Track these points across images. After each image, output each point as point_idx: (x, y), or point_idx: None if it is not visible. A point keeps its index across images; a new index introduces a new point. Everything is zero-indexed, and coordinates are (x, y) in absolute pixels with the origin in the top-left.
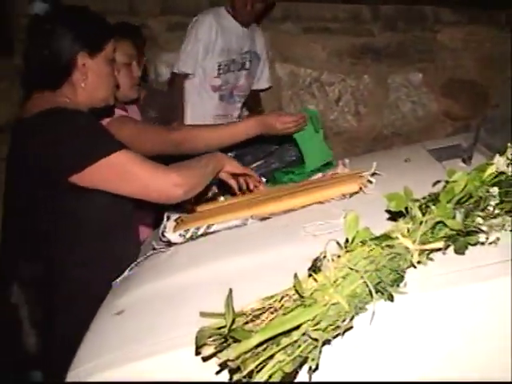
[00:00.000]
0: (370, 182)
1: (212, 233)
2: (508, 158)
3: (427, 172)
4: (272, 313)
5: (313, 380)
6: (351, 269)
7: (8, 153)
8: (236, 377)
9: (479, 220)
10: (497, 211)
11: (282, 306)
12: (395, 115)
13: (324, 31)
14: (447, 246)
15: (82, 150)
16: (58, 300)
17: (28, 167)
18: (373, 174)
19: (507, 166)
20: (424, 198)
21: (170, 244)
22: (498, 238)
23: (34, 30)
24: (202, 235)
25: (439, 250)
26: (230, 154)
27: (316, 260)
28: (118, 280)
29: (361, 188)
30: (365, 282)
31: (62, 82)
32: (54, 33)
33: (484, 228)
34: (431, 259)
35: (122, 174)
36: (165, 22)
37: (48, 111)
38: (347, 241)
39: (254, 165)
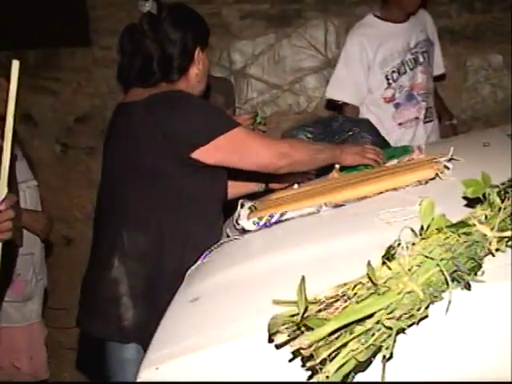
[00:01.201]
0: (447, 167)
1: (285, 220)
2: None
3: (507, 157)
4: (345, 301)
5: (387, 369)
6: (426, 257)
7: (110, 133)
8: (309, 364)
9: None
10: None
11: (356, 293)
12: (474, 99)
13: None
14: None
15: (206, 126)
16: (163, 275)
17: (147, 141)
18: (450, 160)
19: None
20: (503, 184)
21: (244, 231)
22: None
23: (152, 29)
24: (275, 222)
25: None
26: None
27: (390, 248)
28: (193, 267)
29: (437, 174)
30: (440, 270)
31: (181, 75)
32: (175, 32)
33: None
34: (511, 247)
35: (242, 147)
36: (238, 9)
37: (166, 92)
38: (422, 228)
39: None
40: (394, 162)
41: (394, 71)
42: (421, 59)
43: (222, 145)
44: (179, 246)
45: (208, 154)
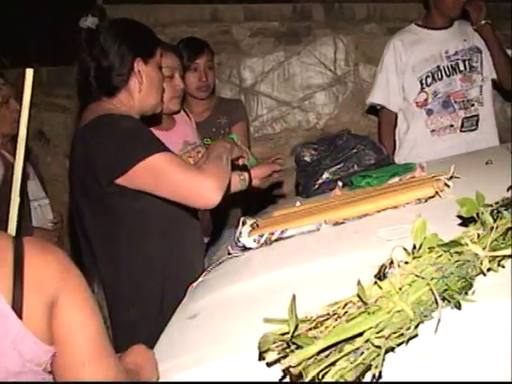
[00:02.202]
0: (448, 185)
1: (286, 238)
2: None
3: (509, 175)
4: (336, 319)
5: None
6: (417, 276)
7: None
8: (298, 383)
9: None
10: None
11: (346, 312)
12: None
13: None
14: None
15: (122, 154)
16: (118, 300)
17: (81, 173)
18: (450, 178)
19: None
20: (497, 203)
21: (245, 249)
22: None
23: (89, 43)
24: (276, 240)
25: (511, 256)
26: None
27: (382, 267)
28: (194, 284)
29: (437, 192)
30: (431, 289)
31: (120, 88)
32: (110, 44)
33: None
34: (503, 266)
35: (159, 177)
36: (247, 28)
37: (98, 117)
38: (415, 247)
39: (333, 168)
40: (396, 179)
41: (428, 76)
42: (461, 67)
43: (139, 173)
44: (138, 270)
45: (129, 180)
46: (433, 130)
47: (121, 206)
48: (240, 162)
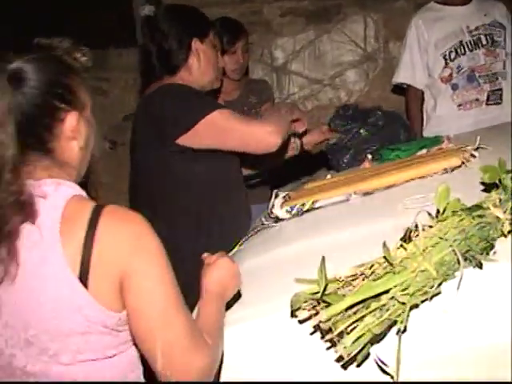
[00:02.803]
0: (474, 156)
1: (317, 208)
2: None
3: None
4: (363, 279)
5: (402, 342)
6: (441, 238)
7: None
8: (327, 337)
9: None
10: None
11: (373, 272)
12: None
13: None
14: None
15: (184, 113)
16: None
17: (145, 135)
18: (477, 149)
19: None
20: None
21: (277, 220)
22: None
23: (149, 29)
24: (307, 211)
25: None
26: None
27: (408, 230)
28: (231, 253)
29: (463, 162)
30: (453, 250)
31: (180, 67)
32: (169, 27)
33: None
34: None
35: (223, 129)
36: (278, 7)
37: (160, 87)
38: (438, 212)
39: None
40: (424, 151)
41: (451, 51)
42: (483, 41)
43: (203, 128)
44: (190, 233)
45: (191, 139)
46: (459, 105)
47: (180, 166)
48: (297, 125)
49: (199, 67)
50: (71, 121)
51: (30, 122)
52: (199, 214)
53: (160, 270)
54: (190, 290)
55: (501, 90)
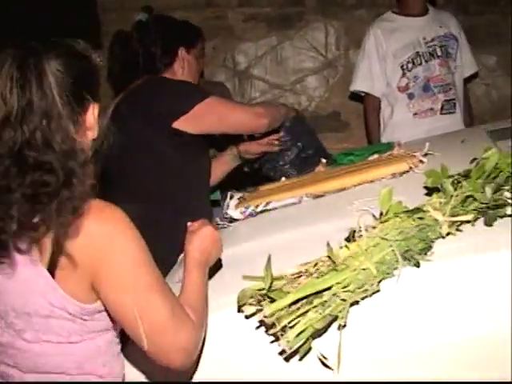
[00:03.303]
0: (422, 161)
1: (270, 210)
2: None
3: (480, 152)
4: (307, 277)
5: (343, 338)
6: (382, 238)
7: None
8: (271, 332)
9: (507, 194)
10: None
11: (317, 270)
12: (470, 98)
13: None
14: (476, 219)
15: (183, 97)
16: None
17: (132, 122)
18: (425, 155)
19: None
20: (458, 174)
21: (232, 220)
22: None
23: (140, 33)
24: (260, 212)
25: (468, 222)
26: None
27: (351, 231)
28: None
29: (411, 167)
30: (393, 250)
31: (164, 70)
32: (159, 33)
33: (511, 201)
34: (460, 231)
35: (219, 111)
36: (241, 13)
37: (149, 79)
38: (381, 214)
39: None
40: (376, 156)
41: (408, 62)
42: (438, 52)
43: (200, 112)
44: (171, 218)
45: (189, 122)
46: (415, 113)
47: (170, 152)
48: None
49: (182, 74)
50: (91, 111)
51: (72, 110)
52: (180, 200)
53: (131, 258)
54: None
55: (454, 99)
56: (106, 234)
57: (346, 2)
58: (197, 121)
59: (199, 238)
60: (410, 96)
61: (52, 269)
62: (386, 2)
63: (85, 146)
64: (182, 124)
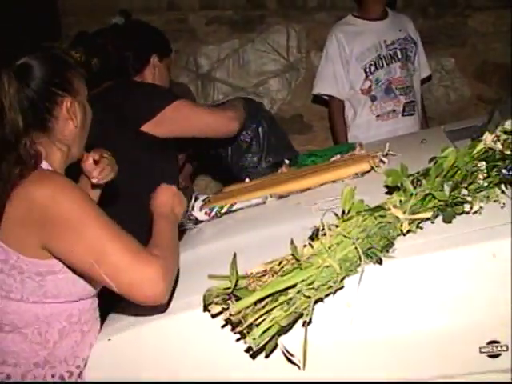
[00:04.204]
0: (383, 161)
1: (235, 211)
2: (496, 136)
3: (438, 152)
4: (272, 275)
5: (308, 334)
6: (345, 236)
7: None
8: (237, 330)
9: (465, 192)
10: (485, 184)
11: (282, 268)
12: (428, 100)
13: None
14: (436, 216)
15: (150, 99)
16: None
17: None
18: (386, 155)
19: (495, 143)
20: (418, 173)
21: (196, 222)
22: (481, 207)
23: (114, 36)
24: (225, 213)
25: (428, 219)
26: None
27: (315, 229)
28: None
29: (372, 167)
30: (356, 247)
31: (135, 74)
32: (133, 38)
33: (469, 199)
34: (421, 228)
35: (188, 115)
36: (203, 16)
37: (119, 82)
38: (344, 212)
39: None
40: (338, 157)
41: (371, 64)
42: (399, 55)
43: (168, 116)
44: (137, 217)
45: (157, 125)
46: (378, 116)
47: (137, 154)
48: None
49: (152, 80)
50: (67, 104)
51: (34, 106)
52: (147, 200)
53: (74, 213)
54: None
55: (414, 101)
56: (45, 196)
57: (307, 5)
58: (165, 124)
59: (161, 193)
60: (373, 98)
61: None
62: (346, 5)
63: (66, 132)
64: (150, 127)
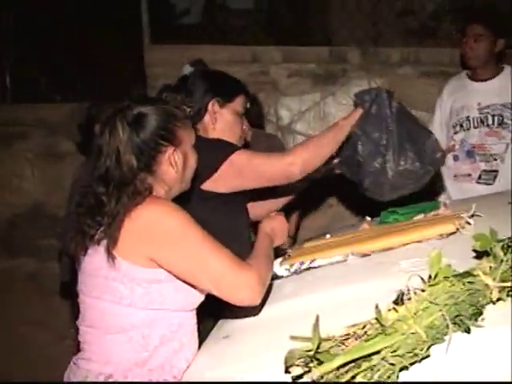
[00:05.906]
0: (469, 223)
1: (315, 267)
2: None
3: None
4: (356, 339)
5: None
6: (431, 302)
7: None
8: None
9: None
10: None
11: (365, 333)
12: None
13: (441, 74)
14: None
15: (206, 159)
16: None
17: None
18: (472, 216)
19: None
20: (509, 238)
21: (276, 277)
22: None
23: (181, 88)
24: (305, 269)
25: None
26: None
27: (400, 293)
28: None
29: (458, 229)
30: (443, 314)
31: (197, 121)
32: (193, 85)
33: None
34: (511, 296)
35: (245, 167)
36: (285, 68)
37: None
38: (430, 277)
39: None
40: (421, 216)
41: (457, 124)
42: (490, 121)
43: (226, 170)
44: None
45: (216, 182)
46: (455, 175)
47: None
48: None
49: (214, 129)
50: (169, 153)
51: (141, 153)
52: None
53: (178, 229)
54: None
55: (496, 171)
56: (154, 215)
57: (390, 59)
58: (222, 180)
59: (272, 220)
60: (455, 158)
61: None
62: (431, 60)
63: (166, 177)
64: (209, 186)
